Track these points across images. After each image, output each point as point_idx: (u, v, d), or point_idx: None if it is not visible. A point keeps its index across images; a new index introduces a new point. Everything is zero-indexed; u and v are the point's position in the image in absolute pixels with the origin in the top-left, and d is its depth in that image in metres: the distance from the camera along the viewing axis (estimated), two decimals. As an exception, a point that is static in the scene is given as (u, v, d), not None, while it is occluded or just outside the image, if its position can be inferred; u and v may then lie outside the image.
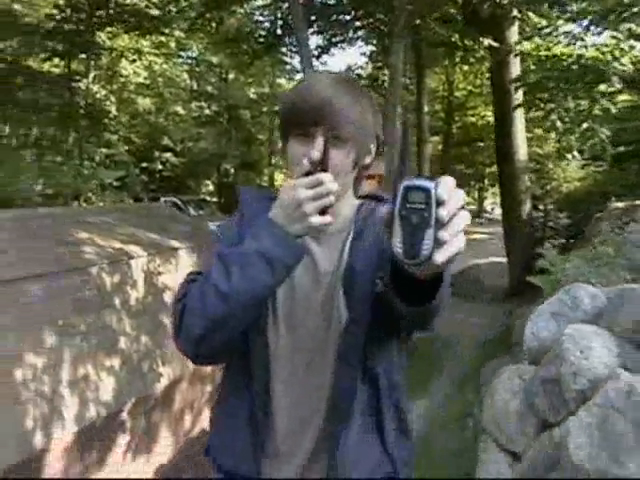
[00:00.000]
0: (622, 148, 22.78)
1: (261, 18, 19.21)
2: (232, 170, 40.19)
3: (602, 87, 16.83)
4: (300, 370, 1.49)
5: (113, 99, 27.09)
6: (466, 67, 23.64)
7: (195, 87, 37.70)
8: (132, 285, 7.90)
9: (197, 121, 36.94)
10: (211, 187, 43.70)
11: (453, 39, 14.84)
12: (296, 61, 23.83)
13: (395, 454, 1.53)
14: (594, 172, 21.96)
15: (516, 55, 13.11)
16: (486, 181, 39.96)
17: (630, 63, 10.54)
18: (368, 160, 1.56)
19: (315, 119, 1.40)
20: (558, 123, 12.08)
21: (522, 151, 14.59)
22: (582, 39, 12.05)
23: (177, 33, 19.00)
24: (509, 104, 13.76)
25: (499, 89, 14.41)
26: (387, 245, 1.08)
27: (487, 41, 13.05)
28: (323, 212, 1.27)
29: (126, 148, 30.05)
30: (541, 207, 15.38)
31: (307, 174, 1.27)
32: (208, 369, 8.51)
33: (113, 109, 26.08)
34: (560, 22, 13.69)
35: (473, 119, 32.28)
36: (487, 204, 47.94)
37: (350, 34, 18.18)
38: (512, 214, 14.61)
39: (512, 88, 13.18)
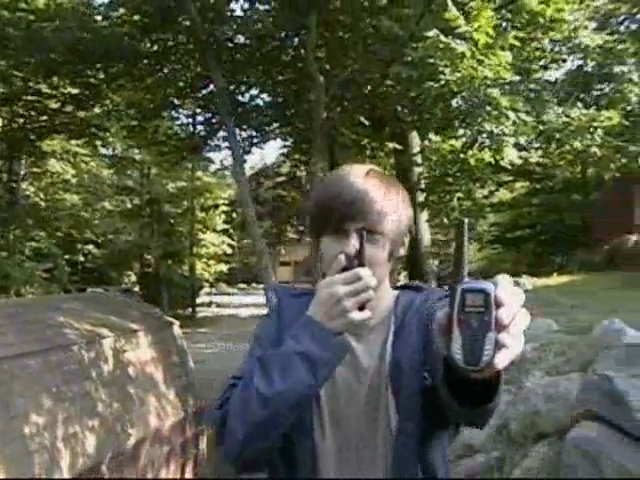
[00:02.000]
0: (519, 232, 25.52)
1: (185, 121, 21.22)
2: (153, 261, 41.09)
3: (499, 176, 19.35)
4: (348, 469, 1.43)
5: (42, 195, 28.25)
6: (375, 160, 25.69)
7: (117, 182, 38.83)
8: (104, 361, 9.40)
9: (120, 215, 38.01)
10: (133, 277, 44.33)
11: (362, 143, 16.92)
12: (217, 158, 25.79)
13: None
14: (491, 254, 24.57)
15: (415, 156, 15.22)
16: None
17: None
18: (402, 252, 1.55)
19: (349, 214, 1.40)
20: (445, 220, 14.04)
21: (427, 236, 16.67)
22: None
23: (111, 138, 20.70)
24: (413, 196, 15.91)
25: (402, 184, 16.62)
26: (437, 346, 1.10)
27: (392, 144, 15.15)
28: (362, 307, 1.26)
29: (53, 241, 30.95)
30: (445, 287, 17.47)
31: (343, 270, 1.29)
32: (165, 431, 10.05)
33: (42, 205, 27.34)
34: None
35: None
36: None
37: (269, 134, 20.19)
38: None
39: (415, 186, 15.30)
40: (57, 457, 7.73)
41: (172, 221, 41.16)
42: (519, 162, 8.13)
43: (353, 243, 1.35)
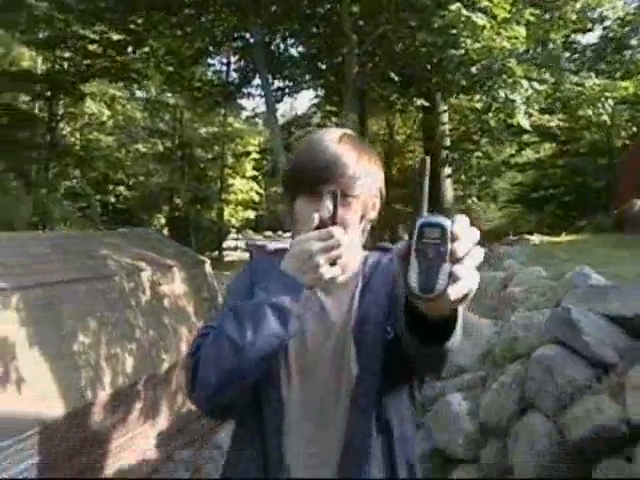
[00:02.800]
0: (542, 193, 25.77)
1: (220, 68, 21.74)
2: (182, 204, 41.85)
3: (525, 137, 19.75)
4: (314, 421, 1.48)
5: (78, 136, 29.02)
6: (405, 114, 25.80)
7: (150, 125, 39.37)
8: (142, 292, 10.25)
9: (152, 157, 38.58)
10: (162, 220, 45.19)
11: (391, 98, 17.39)
12: (250, 105, 26.29)
13: None
14: (512, 213, 24.95)
15: (440, 115, 15.70)
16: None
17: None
18: (374, 214, 1.61)
19: (323, 178, 1.46)
20: (463, 177, 14.57)
21: (449, 193, 17.27)
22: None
23: (147, 82, 21.37)
24: (438, 153, 16.45)
25: (429, 140, 17.19)
26: (399, 292, 1.20)
27: (420, 101, 15.64)
28: (333, 264, 1.32)
29: (86, 181, 31.80)
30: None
31: (317, 228, 1.35)
32: None
33: (77, 145, 28.21)
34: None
35: (411, 162, 34.61)
36: None
37: (301, 84, 20.69)
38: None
39: (440, 144, 15.83)
40: (100, 374, 8.64)
41: (202, 166, 41.84)
42: (528, 128, 8.67)
43: (327, 205, 1.41)
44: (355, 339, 1.48)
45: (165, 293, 10.87)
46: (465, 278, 1.01)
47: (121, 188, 38.26)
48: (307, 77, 19.25)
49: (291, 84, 19.33)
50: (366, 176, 1.52)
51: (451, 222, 1.03)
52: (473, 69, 7.81)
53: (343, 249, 1.30)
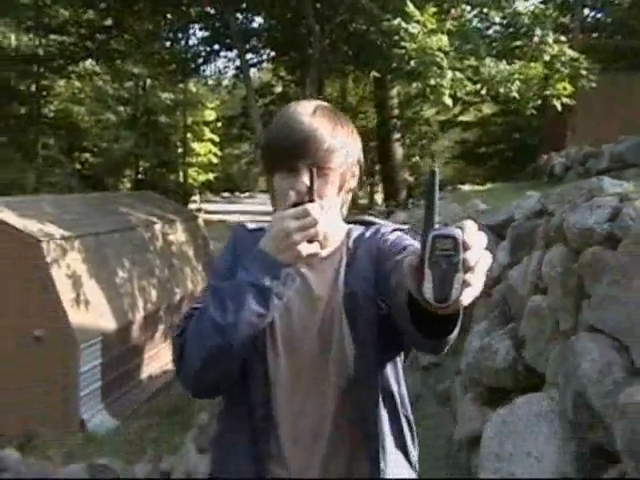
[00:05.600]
0: (485, 149, 28.39)
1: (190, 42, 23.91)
2: (149, 168, 43.52)
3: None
4: (301, 395, 1.50)
5: (52, 107, 30.90)
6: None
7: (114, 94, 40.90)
8: (156, 239, 12.94)
9: (119, 124, 40.08)
10: (128, 184, 46.82)
11: (346, 71, 19.80)
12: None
13: (417, 468, 1.60)
14: (456, 167, 27.71)
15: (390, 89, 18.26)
16: (377, 177, 44.01)
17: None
18: (353, 184, 1.60)
19: (299, 153, 1.45)
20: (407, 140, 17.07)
21: (399, 151, 19.86)
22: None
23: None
24: (389, 111, 18.98)
25: (380, 105, 19.84)
26: (397, 283, 1.24)
27: (374, 73, 17.99)
28: (311, 241, 1.31)
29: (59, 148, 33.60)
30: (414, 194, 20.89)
31: (294, 205, 1.33)
32: (198, 293, 13.82)
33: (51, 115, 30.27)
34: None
35: (364, 122, 36.41)
36: (378, 198, 52.12)
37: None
38: (392, 201, 19.70)
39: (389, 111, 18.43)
40: (135, 301, 11.39)
41: (166, 131, 43.54)
42: (452, 107, 11.47)
43: (303, 180, 1.41)
44: (347, 315, 1.48)
45: (172, 241, 13.59)
46: (475, 285, 1.06)
47: (87, 155, 39.99)
48: (271, 52, 21.67)
49: (255, 56, 21.80)
50: (343, 147, 1.52)
51: (462, 231, 1.06)
52: (412, 62, 10.34)
53: (320, 226, 1.29)
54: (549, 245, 4.15)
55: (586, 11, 21.72)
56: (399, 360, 1.58)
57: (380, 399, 1.51)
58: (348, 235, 1.61)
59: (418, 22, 9.96)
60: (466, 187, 13.22)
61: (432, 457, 4.65)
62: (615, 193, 3.84)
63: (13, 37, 24.50)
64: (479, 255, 1.06)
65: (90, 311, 9.86)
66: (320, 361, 1.49)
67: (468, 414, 4.35)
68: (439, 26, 10.18)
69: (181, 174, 44.47)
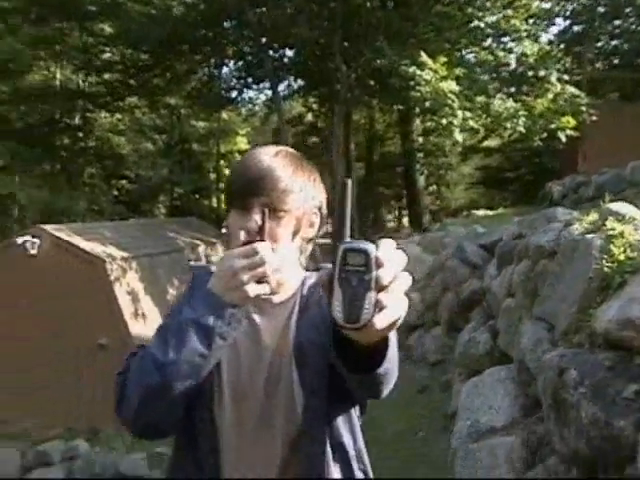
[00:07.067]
0: (506, 174, 29.46)
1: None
2: (184, 195, 45.00)
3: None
4: (248, 443, 1.46)
5: (94, 138, 32.79)
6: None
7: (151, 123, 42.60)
8: (201, 260, 14.35)
9: (155, 153, 41.72)
10: (163, 210, 48.30)
11: (372, 105, 21.32)
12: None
13: None
14: (476, 192, 28.94)
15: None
16: (404, 200, 44.33)
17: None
18: (311, 232, 1.57)
19: (253, 191, 1.44)
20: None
21: (421, 179, 21.25)
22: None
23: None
24: (411, 143, 20.46)
25: (405, 135, 21.32)
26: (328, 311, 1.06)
27: (397, 106, 19.42)
28: (260, 282, 1.27)
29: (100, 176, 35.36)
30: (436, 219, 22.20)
31: (245, 244, 1.30)
32: None
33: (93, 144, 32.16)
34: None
35: (392, 148, 37.18)
36: (406, 221, 52.88)
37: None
38: (416, 224, 20.97)
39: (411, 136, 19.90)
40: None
41: (199, 158, 45.08)
42: (460, 141, 13.18)
43: (255, 218, 1.39)
44: (297, 363, 1.46)
45: (213, 261, 15.02)
46: (391, 307, 0.99)
47: (123, 182, 41.66)
48: (302, 84, 23.24)
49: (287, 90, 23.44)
50: (301, 191, 1.50)
51: (375, 247, 0.99)
52: (426, 103, 11.74)
53: (269, 266, 1.26)
54: (520, 260, 5.49)
55: (603, 39, 22.87)
56: (354, 413, 1.54)
57: (329, 451, 1.46)
58: (303, 282, 1.59)
59: (431, 69, 11.45)
60: (480, 212, 14.53)
61: (432, 429, 6.16)
62: (564, 220, 5.18)
63: (58, 73, 26.43)
64: (394, 274, 1.01)
65: (147, 323, 11.27)
66: (266, 408, 1.46)
67: (457, 389, 5.73)
68: (449, 73, 11.69)
69: (214, 200, 46.01)
